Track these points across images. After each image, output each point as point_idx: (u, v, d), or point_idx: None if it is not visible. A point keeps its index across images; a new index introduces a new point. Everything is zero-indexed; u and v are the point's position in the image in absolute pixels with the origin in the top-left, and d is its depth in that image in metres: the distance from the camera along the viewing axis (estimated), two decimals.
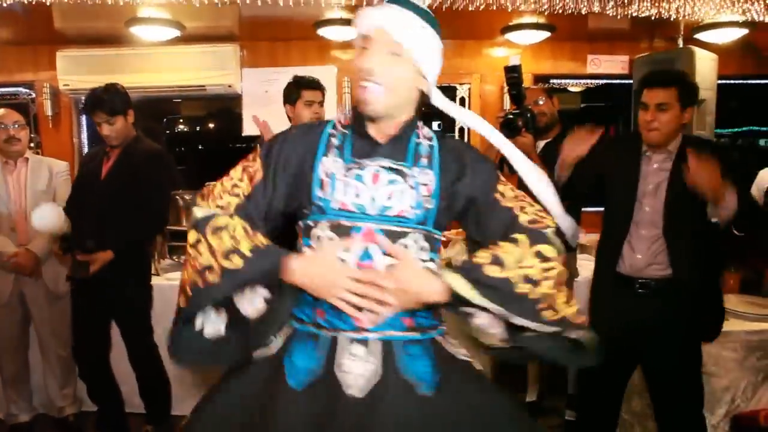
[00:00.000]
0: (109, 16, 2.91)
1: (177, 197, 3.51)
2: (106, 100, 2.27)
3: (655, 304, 1.98)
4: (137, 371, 2.52)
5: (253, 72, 3.51)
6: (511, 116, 2.31)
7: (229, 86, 3.41)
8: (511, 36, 3.26)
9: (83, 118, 3.77)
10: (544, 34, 3.19)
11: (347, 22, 3.03)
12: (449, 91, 3.75)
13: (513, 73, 2.40)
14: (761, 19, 2.63)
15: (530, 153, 2.41)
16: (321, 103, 2.53)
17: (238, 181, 1.25)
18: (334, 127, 1.29)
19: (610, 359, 2.00)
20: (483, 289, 1.13)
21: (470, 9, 2.60)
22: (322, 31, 3.15)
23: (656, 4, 2.51)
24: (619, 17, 2.72)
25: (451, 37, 3.53)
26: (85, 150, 3.75)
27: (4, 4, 2.56)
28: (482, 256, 1.16)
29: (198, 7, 2.65)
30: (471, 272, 1.14)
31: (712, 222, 1.94)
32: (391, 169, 1.22)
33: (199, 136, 5.14)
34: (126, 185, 2.34)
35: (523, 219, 1.22)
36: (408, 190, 1.22)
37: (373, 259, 1.19)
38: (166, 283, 2.99)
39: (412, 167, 1.24)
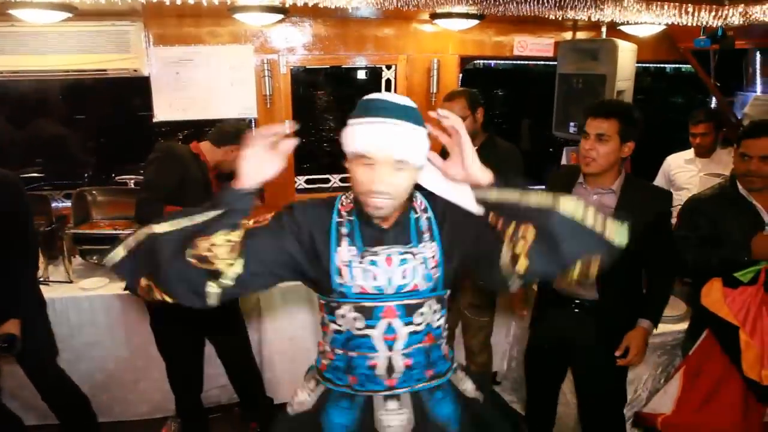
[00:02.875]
0: None
1: (85, 193, 3.24)
2: None
3: (587, 321, 2.17)
4: (49, 402, 2.45)
5: (160, 52, 3.17)
6: None
7: (135, 70, 3.07)
8: (440, 22, 3.13)
9: None
10: (473, 22, 3.09)
11: (266, 8, 2.77)
12: (375, 74, 3.60)
13: None
14: (679, 22, 2.67)
15: None
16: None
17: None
18: (339, 213, 1.40)
19: (548, 364, 2.39)
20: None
21: None
22: (239, 17, 2.87)
23: (585, 10, 2.48)
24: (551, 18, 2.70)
25: (378, 18, 3.35)
26: None
27: None
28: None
29: None
30: None
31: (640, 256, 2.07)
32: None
33: (106, 124, 4.67)
34: None
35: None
36: (418, 265, 1.37)
37: (396, 332, 1.37)
38: (82, 294, 2.81)
39: (418, 245, 1.38)
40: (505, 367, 3.40)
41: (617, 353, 2.08)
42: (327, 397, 1.44)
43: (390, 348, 1.37)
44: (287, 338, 3.07)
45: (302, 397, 1.50)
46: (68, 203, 3.28)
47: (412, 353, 1.39)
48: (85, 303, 2.82)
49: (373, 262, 1.35)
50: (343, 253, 1.35)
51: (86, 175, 3.66)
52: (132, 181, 3.46)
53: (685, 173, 3.40)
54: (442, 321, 1.45)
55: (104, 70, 3.04)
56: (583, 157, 2.06)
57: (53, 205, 3.30)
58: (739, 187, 2.20)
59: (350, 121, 1.28)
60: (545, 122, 4.70)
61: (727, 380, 2.08)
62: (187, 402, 2.73)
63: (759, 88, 3.95)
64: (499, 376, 3.43)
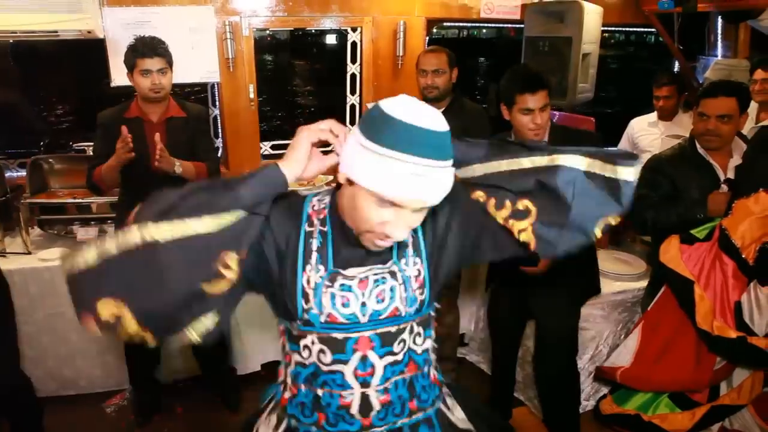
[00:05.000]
0: None
1: (41, 162, 3.13)
2: None
3: (542, 279, 2.20)
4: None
5: (115, 13, 3.04)
6: None
7: (89, 32, 2.94)
8: None
9: None
10: None
11: None
12: (341, 36, 3.53)
13: None
14: None
15: None
16: (162, 71, 2.32)
17: None
18: (309, 220, 1.14)
19: (509, 324, 2.56)
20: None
21: None
22: None
23: None
24: None
25: None
26: None
27: None
28: None
29: None
30: None
31: None
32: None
33: (62, 90, 4.43)
34: None
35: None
36: (398, 287, 1.14)
37: (372, 366, 1.14)
38: (42, 265, 2.74)
39: (399, 261, 1.15)
40: (473, 328, 3.46)
41: None
42: None
43: (365, 384, 1.14)
44: (257, 306, 3.04)
45: None
46: (23, 173, 3.16)
47: (391, 388, 1.17)
48: (45, 274, 2.75)
49: (345, 287, 1.11)
50: (311, 273, 1.11)
51: (42, 143, 3.51)
52: (91, 149, 3.35)
53: (648, 136, 3.46)
54: (427, 344, 1.23)
55: (55, 32, 2.89)
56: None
57: (7, 174, 3.18)
58: (698, 146, 2.25)
59: (370, 145, 0.95)
60: None
61: (682, 334, 2.16)
62: (140, 371, 2.71)
63: (720, 52, 4.01)
64: (466, 337, 3.50)
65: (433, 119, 0.97)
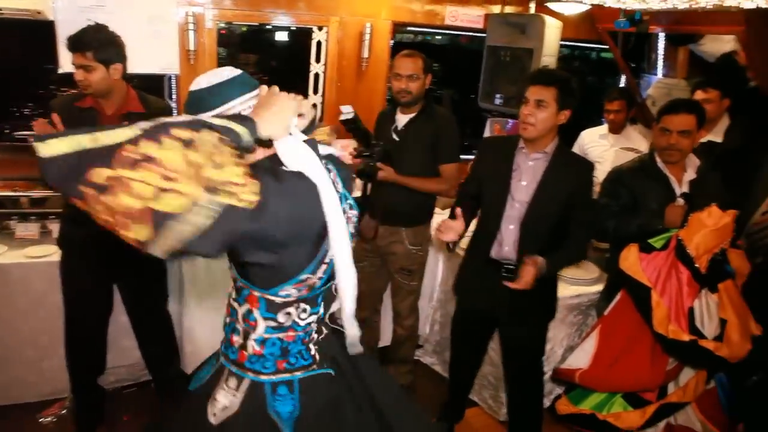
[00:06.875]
0: None
1: None
2: None
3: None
4: None
5: None
6: (362, 167, 2.14)
7: (38, 13, 2.74)
8: None
9: None
10: None
11: None
12: (305, 34, 3.48)
13: (351, 125, 2.51)
14: (603, 2, 2.81)
15: (395, 179, 2.57)
16: (88, 68, 2.18)
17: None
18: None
19: (475, 327, 2.54)
20: None
21: None
22: None
23: None
24: None
25: None
26: None
27: None
28: None
29: None
30: None
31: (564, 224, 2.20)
32: None
33: (3, 75, 4.08)
34: None
35: None
36: None
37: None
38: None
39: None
40: (428, 330, 3.51)
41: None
42: (261, 391, 1.34)
43: (319, 323, 1.41)
44: (211, 308, 2.95)
45: (225, 401, 1.34)
46: None
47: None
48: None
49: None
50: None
51: None
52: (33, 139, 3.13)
53: (598, 147, 3.64)
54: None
55: None
56: (522, 122, 2.14)
57: None
58: (657, 160, 2.39)
59: None
60: (466, 95, 4.82)
61: (638, 337, 2.29)
62: (83, 378, 2.56)
63: (660, 71, 4.28)
64: (421, 339, 3.54)
65: None
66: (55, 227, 2.69)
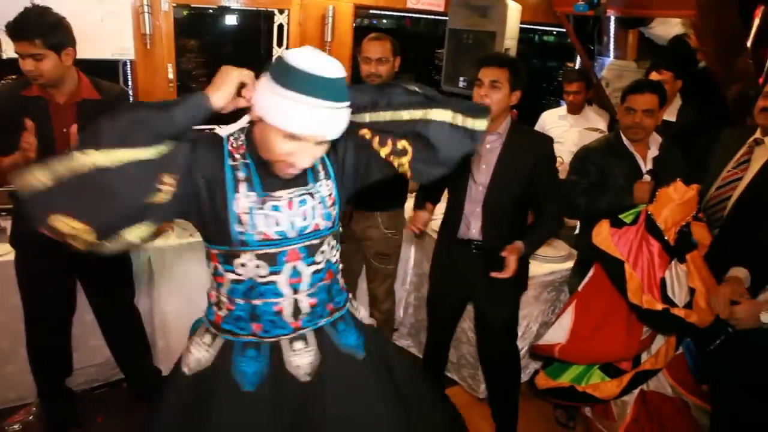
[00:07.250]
0: None
1: None
2: None
3: (484, 260, 2.33)
4: None
5: None
6: None
7: None
8: None
9: None
10: None
11: None
12: (267, 18, 3.37)
13: None
14: None
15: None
16: (37, 57, 2.01)
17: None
18: (231, 156, 1.32)
19: (450, 306, 2.64)
20: None
21: None
22: None
23: None
24: None
25: None
26: None
27: None
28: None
29: None
30: None
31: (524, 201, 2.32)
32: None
33: None
34: None
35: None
36: (317, 205, 1.39)
37: (301, 274, 1.39)
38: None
39: (315, 184, 1.39)
40: (402, 313, 3.53)
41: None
42: (230, 350, 1.41)
43: (295, 291, 1.40)
44: (183, 301, 2.85)
45: (198, 354, 1.45)
46: None
47: (316, 292, 1.43)
48: None
49: (275, 207, 1.33)
50: (242, 199, 1.31)
51: None
52: None
53: (558, 128, 3.73)
54: (337, 255, 1.51)
55: None
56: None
57: None
58: (623, 138, 2.48)
59: (277, 89, 1.18)
60: (428, 77, 4.83)
61: (613, 310, 2.37)
62: (50, 382, 2.44)
63: (611, 54, 4.43)
64: (396, 323, 3.56)
65: (329, 67, 1.19)
66: (8, 224, 2.51)
